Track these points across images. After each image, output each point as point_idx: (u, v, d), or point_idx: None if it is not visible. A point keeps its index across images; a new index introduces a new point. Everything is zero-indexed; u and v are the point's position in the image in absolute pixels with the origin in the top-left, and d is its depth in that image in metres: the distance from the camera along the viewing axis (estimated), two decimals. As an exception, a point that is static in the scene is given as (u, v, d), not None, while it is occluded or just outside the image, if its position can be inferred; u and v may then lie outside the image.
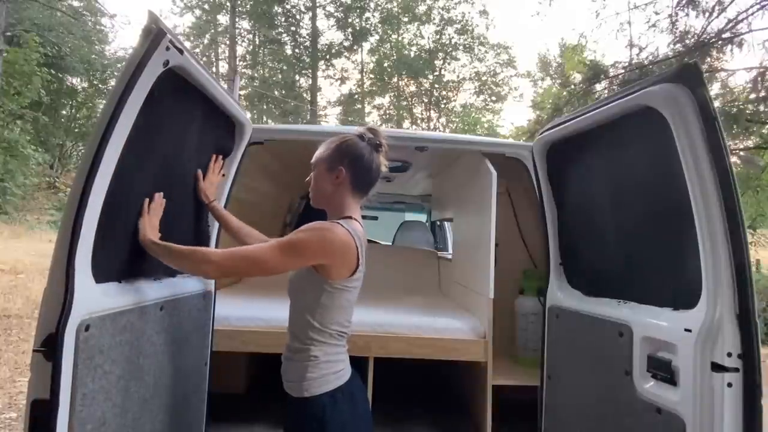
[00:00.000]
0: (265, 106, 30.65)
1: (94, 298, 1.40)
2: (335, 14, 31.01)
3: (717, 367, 1.43)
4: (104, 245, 1.42)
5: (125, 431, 1.55)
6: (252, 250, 1.46)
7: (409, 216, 6.76)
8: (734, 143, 8.06)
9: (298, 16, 31.12)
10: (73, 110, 21.23)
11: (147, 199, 1.64)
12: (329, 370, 1.49)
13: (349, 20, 30.61)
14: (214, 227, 2.28)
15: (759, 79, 6.65)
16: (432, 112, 31.93)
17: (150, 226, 1.62)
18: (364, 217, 1.59)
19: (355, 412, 1.52)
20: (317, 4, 30.56)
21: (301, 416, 1.49)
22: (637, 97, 1.66)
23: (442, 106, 32.05)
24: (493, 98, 31.89)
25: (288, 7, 30.48)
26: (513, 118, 45.99)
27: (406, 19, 31.03)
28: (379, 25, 31.16)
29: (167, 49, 1.42)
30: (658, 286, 1.74)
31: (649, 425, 1.63)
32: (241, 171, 2.42)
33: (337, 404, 1.47)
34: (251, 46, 32.06)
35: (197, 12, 30.47)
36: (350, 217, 1.54)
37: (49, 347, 1.26)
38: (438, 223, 6.19)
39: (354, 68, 32.36)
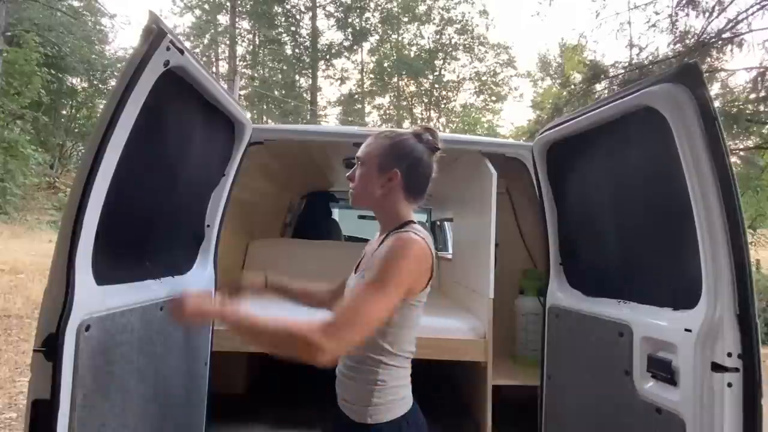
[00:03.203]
0: (265, 106, 30.64)
1: (95, 298, 1.40)
2: (335, 14, 31.04)
3: (717, 367, 1.43)
4: (104, 245, 1.42)
5: (125, 431, 1.55)
6: (353, 314, 1.17)
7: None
8: (734, 143, 8.05)
9: (298, 16, 31.15)
10: (73, 110, 21.21)
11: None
12: (396, 396, 1.34)
13: (349, 20, 30.61)
14: (214, 229, 2.29)
15: (759, 79, 6.64)
16: (432, 112, 31.95)
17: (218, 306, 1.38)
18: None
19: None
20: (317, 4, 30.57)
21: None
22: (637, 97, 1.66)
23: (442, 106, 32.08)
24: (493, 98, 31.93)
25: (288, 7, 30.49)
26: (513, 118, 45.96)
27: (406, 19, 31.05)
28: (379, 25, 31.19)
29: (168, 49, 1.42)
30: (658, 286, 1.74)
31: (649, 425, 1.63)
32: (241, 171, 2.42)
33: None
34: (251, 46, 32.07)
35: (197, 12, 30.50)
36: (412, 222, 1.38)
37: (50, 347, 1.26)
38: (438, 223, 6.19)
39: (354, 68, 32.44)
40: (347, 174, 1.48)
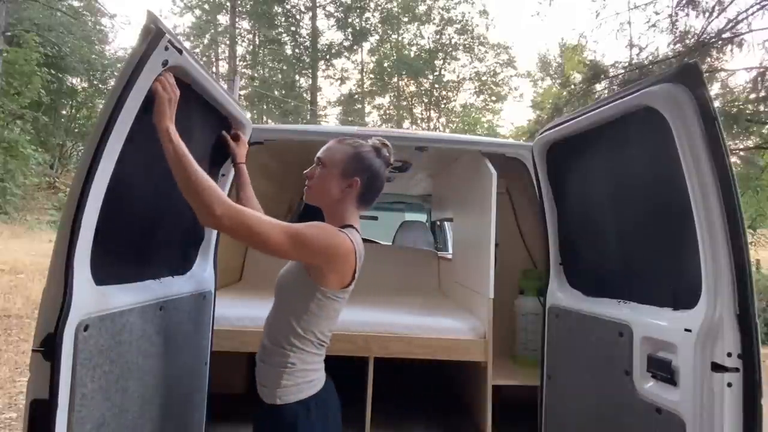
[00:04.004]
0: (265, 106, 30.65)
1: (93, 298, 1.39)
2: (335, 14, 31.05)
3: (717, 367, 1.43)
4: (104, 245, 1.42)
5: (125, 431, 1.55)
6: (259, 221, 1.32)
7: (409, 216, 6.75)
8: (734, 143, 8.05)
9: (298, 16, 31.16)
10: (73, 110, 21.23)
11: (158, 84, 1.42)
12: (304, 379, 1.45)
13: (349, 20, 30.62)
14: (214, 230, 2.28)
15: (759, 79, 6.64)
16: (432, 112, 31.96)
17: (170, 114, 1.41)
18: (363, 217, 1.58)
19: (326, 423, 1.48)
20: (317, 4, 30.58)
21: (271, 423, 1.47)
22: (637, 97, 1.65)
23: (442, 106, 32.08)
24: (493, 98, 31.93)
25: (288, 7, 30.51)
26: (513, 118, 46.04)
27: (406, 19, 31.06)
28: (379, 25, 31.20)
29: (166, 48, 1.41)
30: (658, 286, 1.74)
31: (649, 425, 1.63)
32: (240, 171, 2.41)
33: (310, 413, 1.43)
34: (251, 46, 32.08)
35: (197, 12, 30.51)
36: (352, 226, 1.50)
37: (48, 347, 1.26)
38: (438, 223, 6.19)
39: (354, 68, 32.44)
40: (306, 171, 1.58)
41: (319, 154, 1.56)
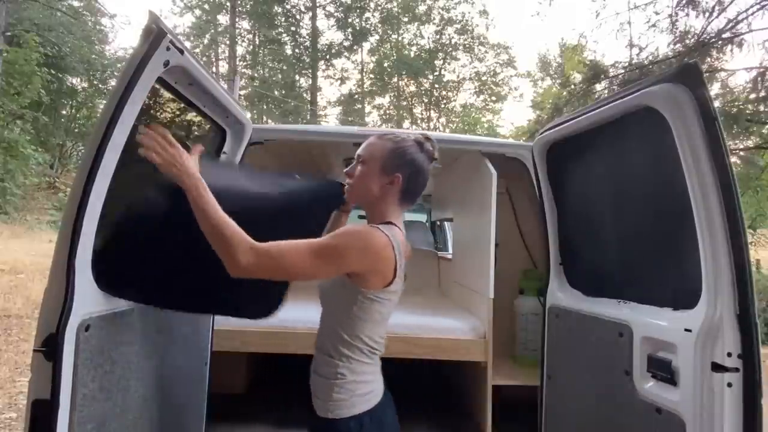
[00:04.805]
0: (265, 106, 30.63)
1: (95, 298, 1.40)
2: (335, 14, 31.03)
3: (717, 367, 1.43)
4: (104, 245, 1.42)
5: (125, 431, 1.55)
6: (283, 253, 1.23)
7: (409, 216, 6.76)
8: (734, 143, 8.05)
9: (298, 16, 31.14)
10: (73, 110, 21.20)
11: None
12: (357, 392, 1.36)
13: (349, 20, 30.61)
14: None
15: (759, 79, 6.64)
16: (432, 112, 31.95)
17: (194, 160, 1.31)
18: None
19: None
20: (317, 4, 30.57)
21: None
22: (637, 97, 1.66)
23: (442, 106, 32.07)
24: (493, 98, 31.92)
25: (288, 7, 30.49)
26: (513, 118, 45.92)
27: (406, 19, 31.05)
28: (379, 25, 31.18)
29: (167, 49, 1.42)
30: (658, 286, 1.74)
31: (649, 425, 1.63)
32: (241, 171, 2.42)
33: (363, 429, 1.34)
34: (251, 46, 32.07)
35: (197, 12, 30.49)
36: (391, 223, 1.40)
37: (50, 347, 1.26)
38: (438, 223, 6.19)
39: (354, 68, 32.42)
40: (346, 169, 1.50)
41: (359, 151, 1.48)
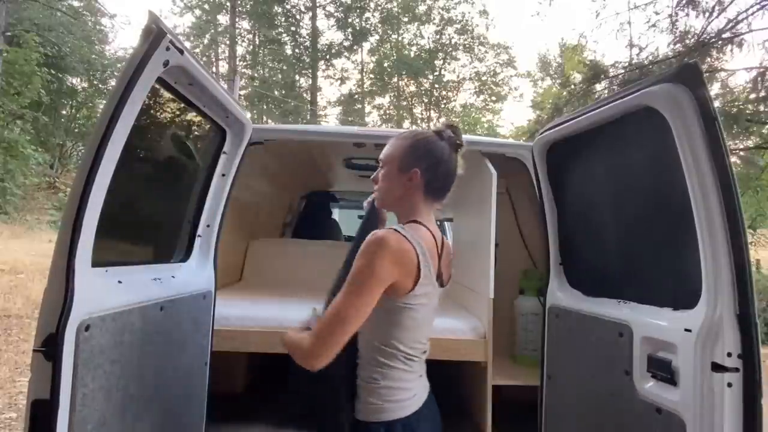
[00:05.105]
0: (265, 106, 30.64)
1: (95, 298, 1.40)
2: (335, 14, 31.04)
3: (717, 367, 1.42)
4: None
5: (125, 431, 1.55)
6: (331, 318, 1.22)
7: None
8: (734, 143, 8.05)
9: (298, 16, 31.15)
10: (73, 110, 21.20)
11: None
12: (391, 398, 1.33)
13: (349, 20, 30.62)
14: (214, 229, 2.28)
15: (759, 79, 6.64)
16: (432, 112, 31.94)
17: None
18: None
19: None
20: (317, 4, 30.57)
21: None
22: (637, 97, 1.66)
23: (442, 106, 32.06)
24: (493, 98, 31.93)
25: (288, 7, 30.49)
26: (513, 118, 45.90)
27: (406, 19, 31.06)
28: (379, 25, 31.19)
29: (167, 49, 1.42)
30: (658, 286, 1.74)
31: (649, 425, 1.63)
32: (241, 171, 2.42)
33: None
34: (251, 46, 32.07)
35: (197, 12, 30.49)
36: (416, 221, 1.36)
37: (50, 347, 1.26)
38: (438, 223, 6.19)
39: (354, 68, 32.43)
40: (371, 176, 1.48)
41: (380, 155, 1.45)
